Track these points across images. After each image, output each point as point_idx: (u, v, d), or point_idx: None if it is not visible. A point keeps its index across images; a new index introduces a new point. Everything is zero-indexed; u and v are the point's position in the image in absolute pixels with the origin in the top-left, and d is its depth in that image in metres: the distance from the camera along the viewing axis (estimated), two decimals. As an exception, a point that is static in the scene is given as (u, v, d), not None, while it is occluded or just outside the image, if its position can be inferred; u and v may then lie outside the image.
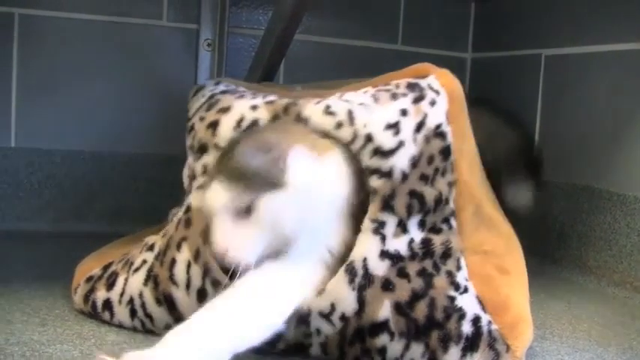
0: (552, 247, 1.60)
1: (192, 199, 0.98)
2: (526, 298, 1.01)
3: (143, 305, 0.98)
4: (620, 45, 1.49)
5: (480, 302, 0.94)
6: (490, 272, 0.98)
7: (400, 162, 0.92)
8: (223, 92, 1.04)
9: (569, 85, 1.63)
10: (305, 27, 1.76)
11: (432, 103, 0.96)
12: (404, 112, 0.94)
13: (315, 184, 0.88)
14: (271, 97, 0.99)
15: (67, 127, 1.64)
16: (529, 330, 0.96)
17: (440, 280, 0.93)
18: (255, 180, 0.85)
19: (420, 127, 0.94)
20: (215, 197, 0.87)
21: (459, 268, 0.95)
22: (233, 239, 0.85)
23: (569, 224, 1.57)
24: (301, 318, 0.91)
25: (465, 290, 0.93)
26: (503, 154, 1.42)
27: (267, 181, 0.85)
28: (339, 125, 0.93)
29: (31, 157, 1.61)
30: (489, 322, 0.92)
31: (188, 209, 0.98)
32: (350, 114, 0.93)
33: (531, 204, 1.45)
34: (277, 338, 0.91)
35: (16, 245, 1.48)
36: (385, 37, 1.90)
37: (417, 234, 0.94)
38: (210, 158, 0.97)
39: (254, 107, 0.98)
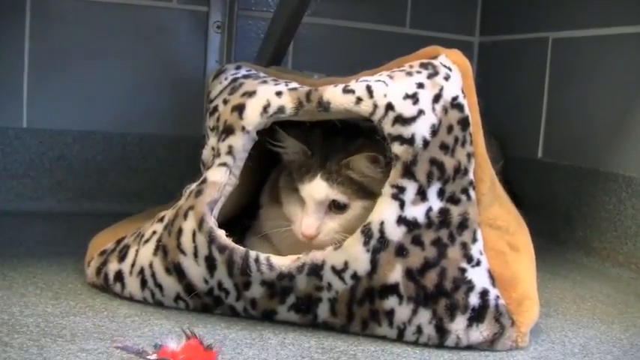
0: (558, 228, 1.62)
1: (211, 174, 1.00)
2: (534, 276, 1.03)
3: (153, 275, 1.00)
4: (627, 28, 1.49)
5: (491, 276, 0.95)
6: (502, 248, 1.00)
7: (421, 129, 0.94)
8: (245, 77, 1.07)
9: (576, 68, 1.64)
10: (313, 10, 1.77)
11: (447, 77, 0.98)
12: (420, 85, 0.97)
13: None
14: (293, 85, 1.02)
15: (79, 108, 1.66)
16: (535, 308, 0.98)
17: (453, 252, 0.94)
18: (357, 187, 1.00)
19: (437, 98, 0.96)
20: (318, 189, 1.00)
21: (474, 240, 0.96)
22: (323, 227, 1.00)
23: (575, 206, 1.58)
24: (314, 268, 0.93)
25: (478, 263, 0.95)
26: None
27: (365, 189, 1.00)
28: (359, 100, 0.95)
29: (42, 137, 1.63)
30: (497, 297, 0.94)
31: (203, 181, 1.00)
32: (368, 89, 0.96)
33: None
34: (289, 288, 0.93)
35: (28, 224, 1.50)
36: (393, 20, 1.90)
37: (435, 203, 0.95)
38: (236, 139, 0.99)
39: (279, 93, 1.00)
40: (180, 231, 0.98)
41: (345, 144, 1.02)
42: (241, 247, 0.96)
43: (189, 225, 0.98)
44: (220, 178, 0.99)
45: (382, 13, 1.89)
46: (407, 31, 1.91)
